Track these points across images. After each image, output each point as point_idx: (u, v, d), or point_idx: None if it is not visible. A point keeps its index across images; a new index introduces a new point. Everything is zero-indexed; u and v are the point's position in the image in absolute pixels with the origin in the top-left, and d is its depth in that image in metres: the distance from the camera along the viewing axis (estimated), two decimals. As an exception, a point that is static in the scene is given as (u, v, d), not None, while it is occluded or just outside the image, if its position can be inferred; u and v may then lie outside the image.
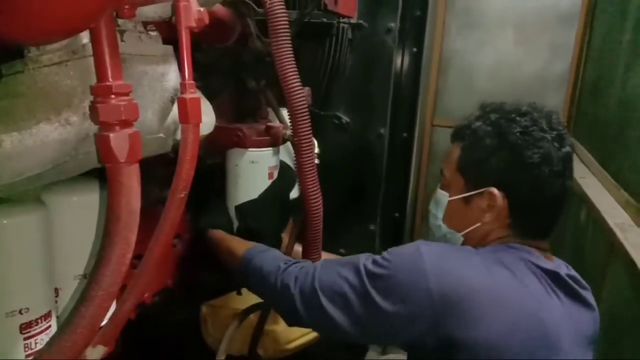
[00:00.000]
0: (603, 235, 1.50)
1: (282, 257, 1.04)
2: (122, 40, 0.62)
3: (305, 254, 1.22)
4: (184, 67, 0.57)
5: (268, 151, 1.23)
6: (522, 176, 0.88)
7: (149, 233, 0.65)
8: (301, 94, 1.05)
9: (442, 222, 1.02)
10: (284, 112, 1.26)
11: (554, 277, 0.88)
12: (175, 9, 0.55)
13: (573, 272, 0.94)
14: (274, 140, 1.22)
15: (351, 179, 1.68)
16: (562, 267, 0.93)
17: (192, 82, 0.58)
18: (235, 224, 1.24)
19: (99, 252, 0.58)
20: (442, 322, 0.80)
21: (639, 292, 1.20)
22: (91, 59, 0.56)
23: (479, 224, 0.94)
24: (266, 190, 1.25)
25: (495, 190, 0.90)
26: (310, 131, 1.09)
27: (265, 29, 1.02)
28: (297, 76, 1.03)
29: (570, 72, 2.53)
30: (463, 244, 1.00)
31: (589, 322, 0.92)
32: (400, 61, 1.82)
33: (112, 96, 0.54)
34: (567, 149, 0.89)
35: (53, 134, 0.57)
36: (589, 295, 0.93)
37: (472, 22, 2.66)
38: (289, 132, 1.19)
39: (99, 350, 0.58)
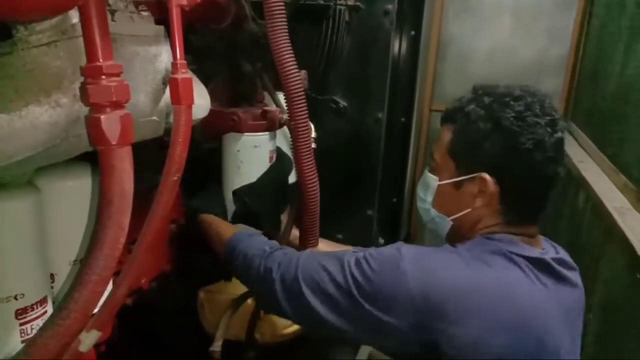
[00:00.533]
0: (601, 219, 1.50)
1: (269, 242, 1.02)
2: (112, 20, 0.61)
3: (302, 239, 1.22)
4: (175, 46, 0.56)
5: (265, 135, 1.22)
6: (515, 162, 0.87)
7: (144, 218, 0.64)
8: (297, 77, 1.03)
9: (431, 206, 0.99)
10: (281, 96, 1.24)
11: (538, 264, 0.87)
12: (166, -14, 0.53)
13: (562, 254, 0.94)
14: (270, 125, 1.21)
15: (348, 163, 1.67)
16: (550, 251, 0.93)
17: (184, 61, 0.57)
18: (231, 208, 1.24)
19: (92, 237, 0.57)
20: (425, 325, 0.79)
21: (635, 275, 1.20)
22: (81, 40, 0.55)
23: (469, 210, 0.93)
24: (264, 174, 1.24)
25: (487, 176, 0.89)
26: (307, 115, 1.08)
27: (261, 10, 1.00)
28: (293, 59, 1.02)
29: (569, 56, 2.52)
30: (452, 229, 0.98)
31: (575, 300, 0.93)
32: (398, 44, 1.80)
33: (103, 77, 0.52)
34: (559, 134, 0.87)
35: (43, 116, 0.55)
36: (575, 276, 0.94)
37: (470, 6, 2.64)
38: (285, 116, 1.18)
39: (93, 335, 0.58)
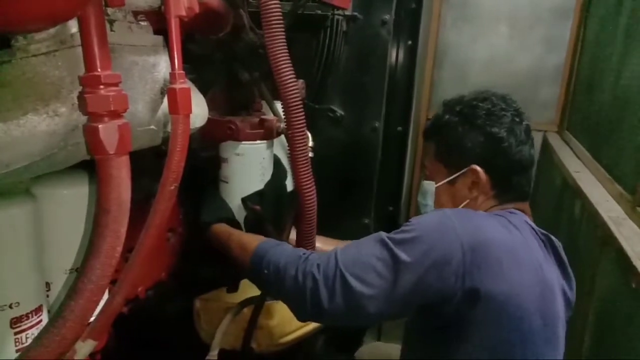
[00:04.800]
0: (596, 228, 1.51)
1: (299, 249, 1.05)
2: (111, 30, 0.61)
3: (299, 247, 1.22)
4: (174, 57, 0.56)
5: (262, 144, 1.23)
6: (496, 150, 1.02)
7: (142, 227, 0.64)
8: (295, 87, 1.04)
9: (433, 207, 1.12)
10: (278, 105, 1.25)
11: (548, 241, 1.01)
12: (164, -2, 0.54)
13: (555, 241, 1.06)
14: (267, 133, 1.22)
15: (345, 172, 1.67)
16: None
17: (182, 72, 0.57)
18: (238, 215, 1.23)
19: (89, 245, 0.57)
20: (469, 273, 0.86)
21: (631, 285, 1.20)
22: (80, 49, 0.55)
23: (468, 200, 1.06)
24: (270, 181, 1.25)
25: (477, 167, 1.03)
26: (304, 124, 1.08)
27: (259, 20, 1.00)
28: (291, 69, 1.02)
29: (565, 65, 2.54)
30: None
31: (571, 292, 1.04)
32: (395, 54, 1.81)
33: (101, 86, 0.53)
34: (526, 121, 1.05)
35: (41, 125, 0.55)
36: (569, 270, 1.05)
37: (467, 14, 2.66)
38: (282, 125, 1.19)
39: (89, 345, 0.58)
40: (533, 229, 1.00)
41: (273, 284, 1.02)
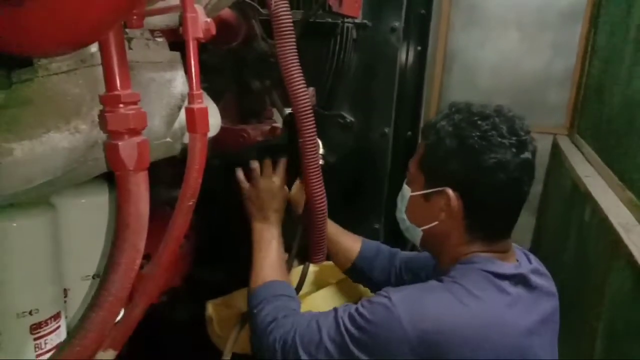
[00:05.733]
0: (607, 234, 1.50)
1: (284, 309, 1.02)
2: (129, 48, 0.63)
3: (312, 256, 1.23)
4: (192, 78, 0.58)
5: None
6: (477, 180, 0.90)
7: (157, 232, 0.66)
8: (305, 95, 1.05)
9: (405, 216, 1.04)
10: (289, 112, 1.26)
11: (515, 279, 0.90)
12: (183, 21, 0.55)
13: (534, 264, 0.97)
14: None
15: (355, 178, 1.68)
16: (524, 263, 0.96)
17: (200, 92, 0.59)
18: None
19: (109, 258, 0.59)
20: None
21: (642, 293, 1.20)
22: (99, 68, 0.57)
23: (436, 222, 0.96)
24: None
25: (450, 192, 0.92)
26: (315, 132, 1.09)
27: (270, 29, 1.02)
28: (302, 78, 1.03)
29: (575, 69, 2.53)
30: (423, 239, 1.02)
31: (552, 307, 0.95)
32: (405, 60, 1.82)
33: (121, 105, 0.54)
34: (526, 155, 0.89)
35: (62, 142, 0.57)
36: (549, 283, 0.97)
37: (476, 19, 2.66)
38: (293, 132, 1.20)
39: (110, 354, 0.59)
40: (496, 275, 0.89)
41: (251, 326, 1.08)
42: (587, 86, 2.48)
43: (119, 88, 0.54)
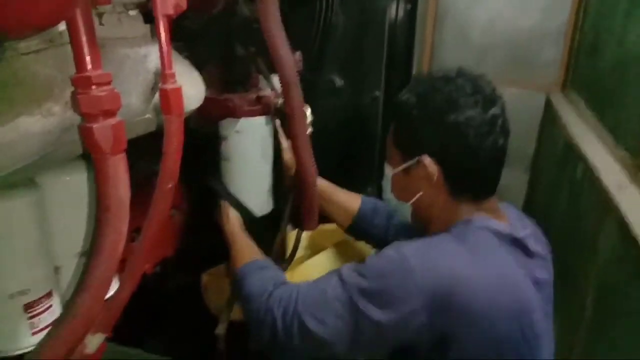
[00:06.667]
0: (598, 193, 1.51)
1: (274, 278, 1.00)
2: (100, 24, 0.60)
3: (303, 223, 1.23)
4: (164, 57, 0.55)
5: (261, 119, 1.22)
6: (449, 142, 0.90)
7: (147, 204, 0.64)
8: (290, 63, 1.02)
9: (391, 195, 1.04)
10: (276, 79, 1.23)
11: (517, 243, 0.91)
12: (151, -3, 0.53)
13: (529, 229, 0.98)
14: (265, 109, 1.21)
15: (347, 142, 1.67)
16: (517, 226, 0.95)
17: (173, 72, 0.57)
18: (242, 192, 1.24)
19: (91, 242, 0.58)
20: (435, 318, 0.81)
21: (631, 253, 1.21)
22: (69, 47, 0.54)
23: (420, 193, 0.97)
24: None
25: (426, 158, 0.92)
26: (302, 101, 1.07)
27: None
28: (286, 44, 1.00)
29: (568, 24, 2.47)
30: (413, 214, 1.03)
31: (547, 273, 0.96)
32: (394, 19, 1.77)
33: (93, 86, 0.52)
34: (493, 110, 0.89)
35: (35, 126, 0.55)
36: (543, 248, 0.98)
37: (467, -28, 2.57)
38: (280, 100, 1.18)
39: (98, 337, 0.60)
40: (498, 233, 0.91)
41: (243, 308, 1.04)
42: (580, 42, 2.43)
43: (89, 69, 0.52)
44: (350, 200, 1.33)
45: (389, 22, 1.60)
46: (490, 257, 0.87)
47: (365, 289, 0.85)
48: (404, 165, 0.97)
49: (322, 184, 1.31)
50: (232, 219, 1.18)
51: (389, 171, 1.02)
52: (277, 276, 1.02)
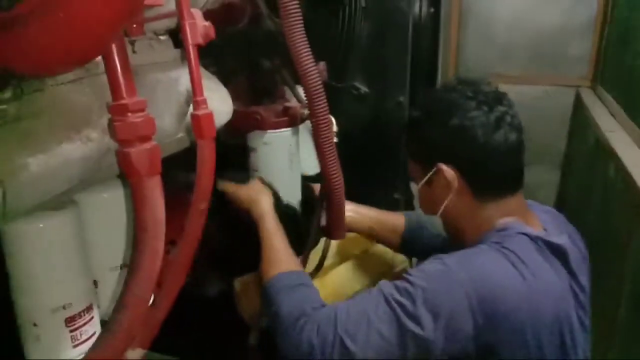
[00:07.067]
0: (631, 192, 1.47)
1: (310, 299, 0.97)
2: (133, 52, 0.63)
3: (331, 231, 1.24)
4: (194, 84, 0.57)
5: (287, 131, 1.24)
6: (458, 144, 0.92)
7: (181, 217, 0.66)
8: (315, 74, 1.03)
9: (422, 210, 1.07)
10: (301, 90, 1.25)
11: (551, 248, 0.90)
12: (181, 28, 0.55)
13: (566, 230, 0.98)
14: (292, 121, 1.22)
15: (372, 149, 1.67)
16: (552, 231, 0.95)
17: (204, 98, 0.59)
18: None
19: (131, 261, 0.61)
20: (481, 328, 0.81)
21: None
22: (104, 75, 0.57)
23: (446, 202, 0.97)
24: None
25: (442, 165, 0.94)
26: (327, 110, 1.08)
27: (276, 6, 0.99)
28: (310, 56, 1.01)
29: (597, 18, 2.41)
30: (444, 226, 1.04)
31: (584, 278, 0.95)
32: (418, 24, 1.76)
33: (129, 114, 0.55)
34: (499, 109, 0.91)
35: (76, 152, 0.58)
36: (576, 251, 0.96)
37: (490, -29, 2.54)
38: (306, 111, 1.19)
39: (138, 353, 0.62)
40: (535, 239, 0.89)
41: (273, 325, 0.99)
42: (609, 35, 2.38)
43: (125, 96, 0.54)
44: (395, 219, 1.34)
45: (412, 26, 1.59)
46: (530, 265, 0.86)
47: (411, 305, 0.83)
48: (426, 178, 0.98)
49: (370, 212, 1.33)
50: (263, 199, 1.16)
51: (414, 188, 1.05)
52: (313, 296, 0.99)
